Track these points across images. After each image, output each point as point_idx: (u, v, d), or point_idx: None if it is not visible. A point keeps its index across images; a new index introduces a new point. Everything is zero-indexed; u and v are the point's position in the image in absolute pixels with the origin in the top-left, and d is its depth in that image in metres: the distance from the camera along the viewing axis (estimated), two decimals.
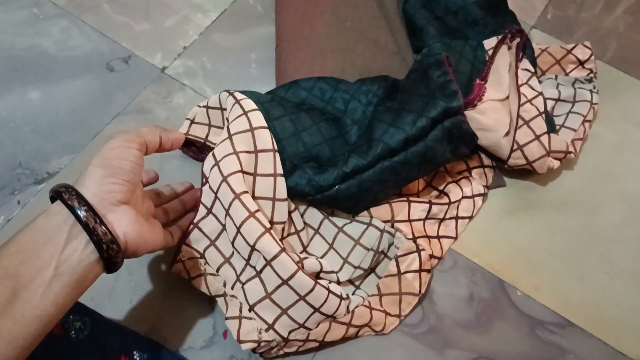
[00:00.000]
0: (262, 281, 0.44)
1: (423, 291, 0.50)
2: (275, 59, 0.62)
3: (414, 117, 0.47)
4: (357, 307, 0.47)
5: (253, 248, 0.43)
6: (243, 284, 0.46)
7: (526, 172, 0.58)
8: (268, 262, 0.42)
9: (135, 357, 0.44)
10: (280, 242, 0.43)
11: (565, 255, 0.55)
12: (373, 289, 0.50)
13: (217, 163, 0.44)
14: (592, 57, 0.66)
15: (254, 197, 0.45)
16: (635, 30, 0.72)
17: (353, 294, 0.50)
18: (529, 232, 0.56)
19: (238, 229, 0.43)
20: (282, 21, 0.64)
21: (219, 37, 0.67)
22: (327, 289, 0.44)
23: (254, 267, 0.45)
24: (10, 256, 0.31)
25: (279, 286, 0.43)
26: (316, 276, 0.49)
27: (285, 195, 0.47)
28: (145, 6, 0.69)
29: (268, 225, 0.43)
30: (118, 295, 0.49)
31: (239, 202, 0.43)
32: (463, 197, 0.56)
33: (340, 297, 0.46)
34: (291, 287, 0.43)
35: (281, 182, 0.46)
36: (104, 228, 0.33)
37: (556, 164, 0.57)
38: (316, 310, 0.44)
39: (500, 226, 0.56)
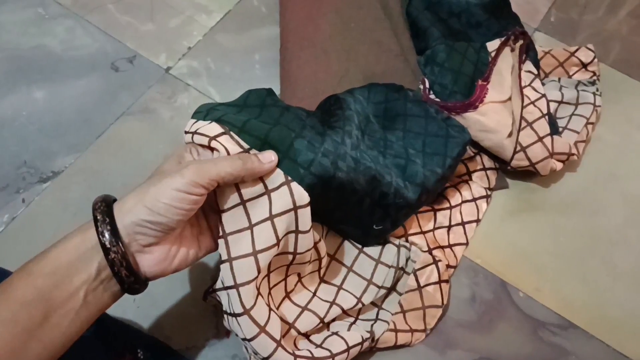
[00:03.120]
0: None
1: (445, 302, 0.50)
2: (279, 59, 0.63)
3: (442, 159, 0.50)
4: (382, 334, 0.47)
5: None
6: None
7: (529, 174, 0.58)
8: (248, 340, 0.39)
9: (139, 355, 0.44)
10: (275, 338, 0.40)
11: (568, 257, 0.55)
12: (396, 307, 0.49)
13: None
14: (595, 60, 0.66)
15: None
16: (639, 33, 0.73)
17: (377, 315, 0.49)
18: (531, 233, 0.56)
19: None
20: (286, 22, 0.64)
21: (223, 37, 0.67)
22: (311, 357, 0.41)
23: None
24: (46, 277, 0.31)
25: None
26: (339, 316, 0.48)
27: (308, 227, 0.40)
28: (150, 7, 0.69)
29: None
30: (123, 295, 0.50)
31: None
32: (463, 202, 0.56)
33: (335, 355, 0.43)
34: None
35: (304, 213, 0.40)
36: (128, 272, 0.33)
37: (559, 165, 0.57)
38: None
39: (503, 227, 0.57)
